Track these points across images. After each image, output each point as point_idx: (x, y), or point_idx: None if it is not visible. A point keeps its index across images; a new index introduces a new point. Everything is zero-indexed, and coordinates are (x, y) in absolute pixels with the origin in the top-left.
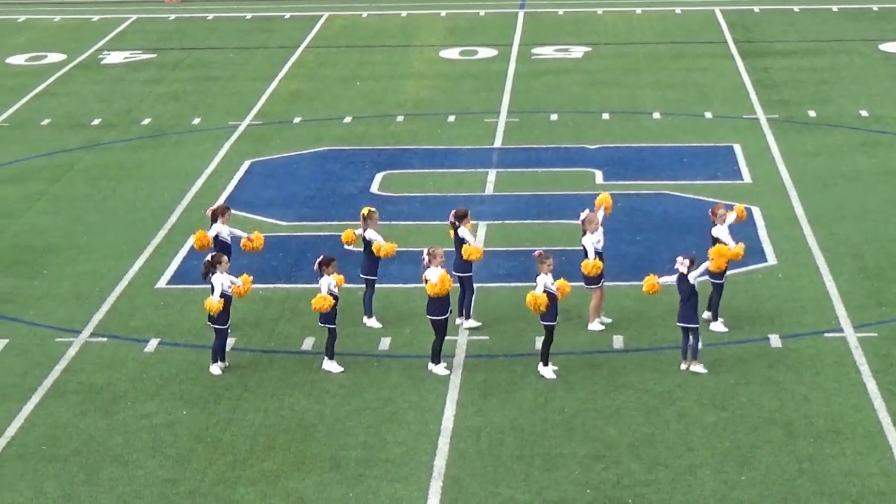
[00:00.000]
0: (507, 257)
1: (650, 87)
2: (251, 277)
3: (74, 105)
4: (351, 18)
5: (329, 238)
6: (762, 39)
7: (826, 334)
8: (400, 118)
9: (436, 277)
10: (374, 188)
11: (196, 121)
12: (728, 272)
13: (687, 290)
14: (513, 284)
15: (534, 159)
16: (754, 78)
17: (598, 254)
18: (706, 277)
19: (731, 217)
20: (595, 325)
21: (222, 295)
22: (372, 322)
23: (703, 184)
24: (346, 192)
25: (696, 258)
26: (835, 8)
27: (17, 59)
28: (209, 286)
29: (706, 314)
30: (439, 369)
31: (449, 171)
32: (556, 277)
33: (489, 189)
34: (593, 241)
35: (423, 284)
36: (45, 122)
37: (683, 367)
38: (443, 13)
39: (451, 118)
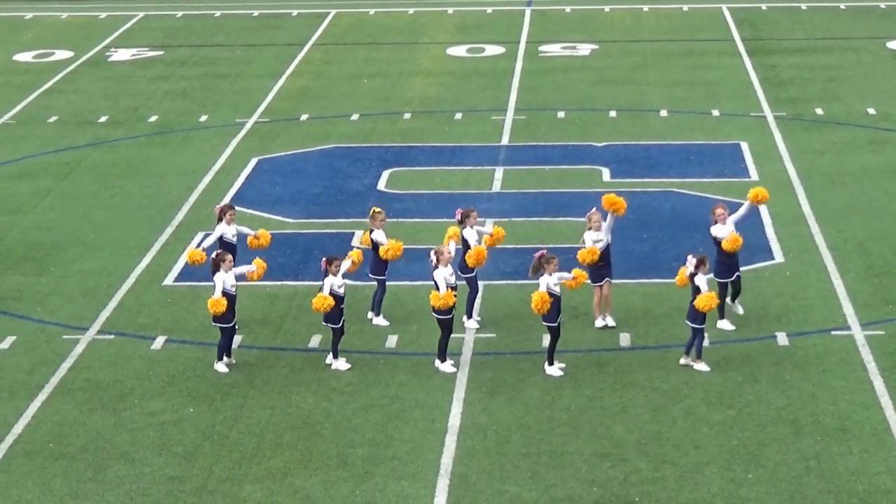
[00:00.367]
0: (514, 255)
1: (657, 84)
2: (264, 262)
3: (82, 102)
4: (358, 15)
5: (336, 235)
6: (770, 37)
7: (833, 332)
8: (407, 115)
9: (442, 288)
10: (382, 185)
11: (203, 118)
12: (733, 274)
13: (697, 290)
14: (519, 282)
15: (541, 157)
16: (762, 75)
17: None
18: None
19: (745, 207)
20: (598, 322)
21: (225, 294)
22: (379, 320)
23: (710, 181)
24: (353, 190)
25: (706, 258)
26: (842, 5)
27: (25, 57)
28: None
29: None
30: (446, 367)
31: (456, 169)
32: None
33: (496, 186)
34: (592, 238)
35: (431, 283)
36: (53, 119)
37: (682, 361)
38: (450, 10)
39: (459, 115)
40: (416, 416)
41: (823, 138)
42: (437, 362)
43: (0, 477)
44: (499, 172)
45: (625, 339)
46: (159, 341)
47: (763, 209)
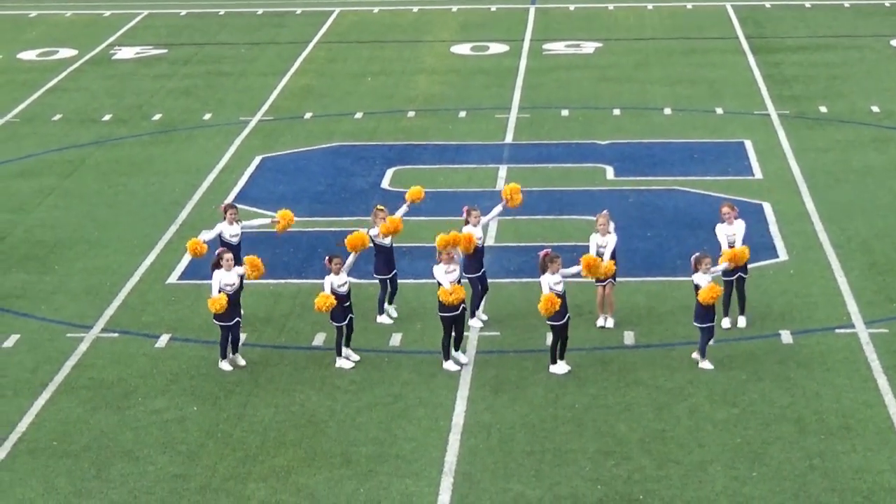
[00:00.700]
0: (518, 253)
1: (661, 82)
2: (256, 259)
3: (85, 100)
4: (362, 14)
5: (340, 234)
6: (773, 35)
7: (837, 330)
8: (411, 114)
9: (449, 284)
10: (385, 184)
11: (207, 116)
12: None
13: (697, 288)
14: (524, 280)
15: (544, 155)
16: (765, 73)
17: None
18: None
19: (721, 266)
20: (598, 321)
21: (222, 292)
22: (383, 318)
23: (713, 179)
24: (356, 188)
25: (704, 258)
26: (846, 3)
27: (29, 55)
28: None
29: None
30: (450, 365)
31: (460, 167)
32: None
33: (500, 185)
34: (598, 241)
35: (434, 280)
36: (57, 117)
37: (695, 355)
38: (454, 9)
39: (462, 114)
40: (419, 414)
41: (827, 136)
42: (444, 363)
43: (4, 475)
44: (502, 170)
45: (629, 337)
46: (163, 339)
47: (767, 207)
